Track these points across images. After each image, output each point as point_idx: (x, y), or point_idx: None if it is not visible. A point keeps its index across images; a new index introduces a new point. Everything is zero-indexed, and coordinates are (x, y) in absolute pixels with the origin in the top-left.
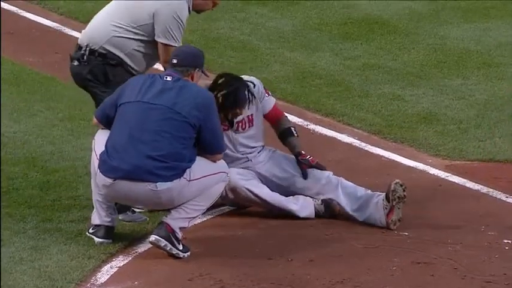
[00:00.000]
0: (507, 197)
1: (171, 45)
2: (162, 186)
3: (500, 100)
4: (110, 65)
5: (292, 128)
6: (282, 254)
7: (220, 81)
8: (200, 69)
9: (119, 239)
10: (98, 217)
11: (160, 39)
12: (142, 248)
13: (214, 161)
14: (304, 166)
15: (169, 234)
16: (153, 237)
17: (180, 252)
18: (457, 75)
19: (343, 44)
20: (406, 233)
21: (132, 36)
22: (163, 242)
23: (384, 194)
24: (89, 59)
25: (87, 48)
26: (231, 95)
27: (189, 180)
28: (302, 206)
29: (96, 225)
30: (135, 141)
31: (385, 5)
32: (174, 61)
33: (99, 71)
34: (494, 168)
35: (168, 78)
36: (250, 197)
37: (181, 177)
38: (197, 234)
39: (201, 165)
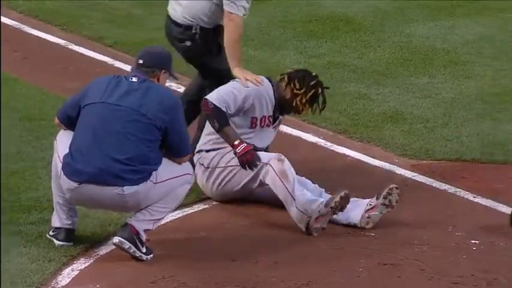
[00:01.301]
0: (474, 197)
1: (236, 15)
2: (128, 190)
3: (467, 98)
4: (219, 36)
5: None
6: (247, 256)
7: (317, 76)
8: (167, 71)
9: (80, 241)
10: (58, 220)
11: (227, 8)
12: (104, 250)
13: (180, 163)
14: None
15: (134, 237)
16: (116, 239)
17: (143, 255)
18: (424, 73)
19: (307, 42)
20: (373, 234)
21: (220, 7)
22: (127, 244)
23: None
24: (201, 37)
25: (197, 27)
26: (324, 93)
27: (155, 183)
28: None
29: (56, 228)
30: (99, 143)
31: (350, 3)
32: (140, 61)
33: (213, 45)
34: (462, 168)
35: (134, 79)
36: (287, 187)
37: (148, 180)
38: (161, 236)
39: (166, 167)
